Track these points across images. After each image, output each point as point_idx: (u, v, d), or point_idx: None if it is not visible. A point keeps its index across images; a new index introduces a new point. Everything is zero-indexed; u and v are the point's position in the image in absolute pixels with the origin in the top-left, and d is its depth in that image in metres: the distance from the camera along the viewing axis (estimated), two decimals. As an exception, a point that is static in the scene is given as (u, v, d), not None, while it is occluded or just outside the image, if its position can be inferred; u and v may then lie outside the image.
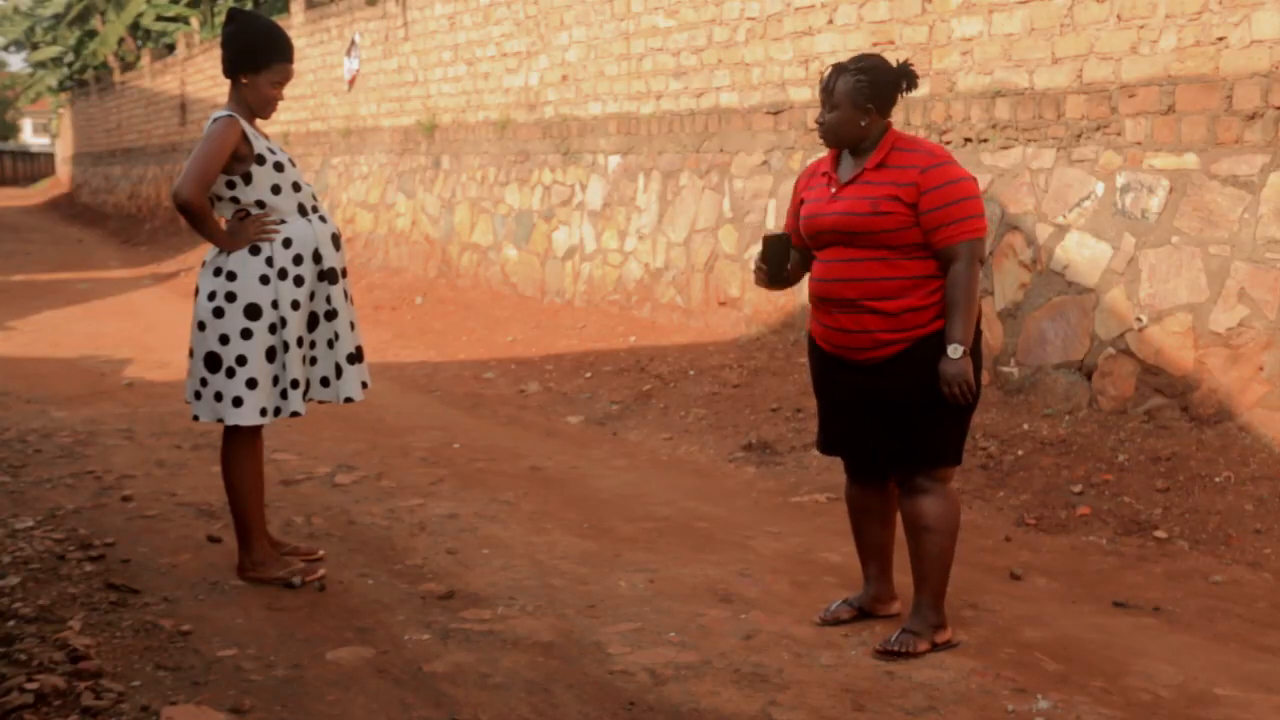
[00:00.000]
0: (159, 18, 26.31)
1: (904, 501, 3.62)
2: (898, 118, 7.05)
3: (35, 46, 38.24)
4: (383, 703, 3.22)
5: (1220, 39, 5.45)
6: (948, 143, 6.72)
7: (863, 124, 3.49)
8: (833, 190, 3.55)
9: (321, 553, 4.41)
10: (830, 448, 3.77)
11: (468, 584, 4.15)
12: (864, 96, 3.47)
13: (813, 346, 3.72)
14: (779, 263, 3.69)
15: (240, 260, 3.97)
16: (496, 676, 3.39)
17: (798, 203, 3.72)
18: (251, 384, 3.95)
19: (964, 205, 3.43)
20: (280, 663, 3.47)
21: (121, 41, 28.87)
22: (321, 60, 15.33)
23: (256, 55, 4.01)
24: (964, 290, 3.43)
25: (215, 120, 3.97)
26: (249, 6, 21.07)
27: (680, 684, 3.34)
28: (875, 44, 7.20)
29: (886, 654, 3.51)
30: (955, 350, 3.42)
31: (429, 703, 3.22)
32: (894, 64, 3.56)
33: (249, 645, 3.58)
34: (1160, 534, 4.66)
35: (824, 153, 3.71)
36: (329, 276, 4.08)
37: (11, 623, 3.59)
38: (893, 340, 3.47)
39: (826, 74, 3.55)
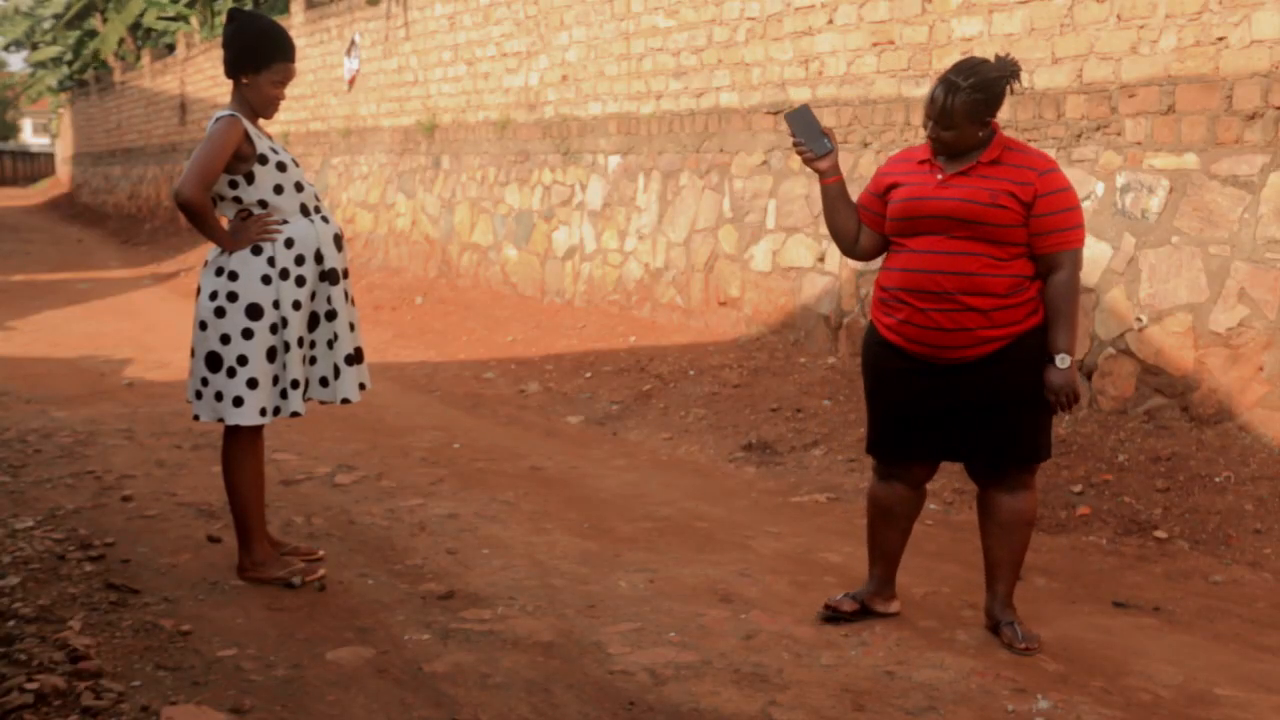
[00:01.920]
0: (159, 18, 26.30)
1: (998, 498, 3.63)
2: (901, 117, 7.09)
3: (35, 46, 38.25)
4: (383, 703, 3.22)
5: (1220, 39, 5.46)
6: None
7: (981, 134, 3.49)
8: (939, 177, 3.51)
9: (321, 553, 4.41)
10: (898, 454, 3.67)
11: (468, 584, 4.15)
12: (981, 111, 3.45)
13: (884, 348, 3.62)
14: (812, 131, 3.65)
15: (242, 260, 3.97)
16: (496, 676, 3.39)
17: (884, 186, 3.65)
18: (252, 384, 3.95)
19: (1074, 214, 3.47)
20: (280, 663, 3.47)
21: (121, 41, 28.86)
22: (321, 60, 15.32)
23: (258, 55, 4.01)
24: (1070, 299, 3.46)
25: (217, 120, 3.97)
26: (249, 6, 21.07)
27: (680, 684, 3.34)
28: (875, 44, 7.21)
29: (1027, 650, 3.55)
30: (1063, 360, 3.44)
31: (429, 703, 3.22)
32: (994, 63, 3.48)
33: (249, 645, 3.58)
34: (1160, 534, 4.66)
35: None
36: (330, 277, 4.08)
37: (11, 623, 3.59)
38: (993, 338, 3.45)
39: (936, 91, 3.47)
